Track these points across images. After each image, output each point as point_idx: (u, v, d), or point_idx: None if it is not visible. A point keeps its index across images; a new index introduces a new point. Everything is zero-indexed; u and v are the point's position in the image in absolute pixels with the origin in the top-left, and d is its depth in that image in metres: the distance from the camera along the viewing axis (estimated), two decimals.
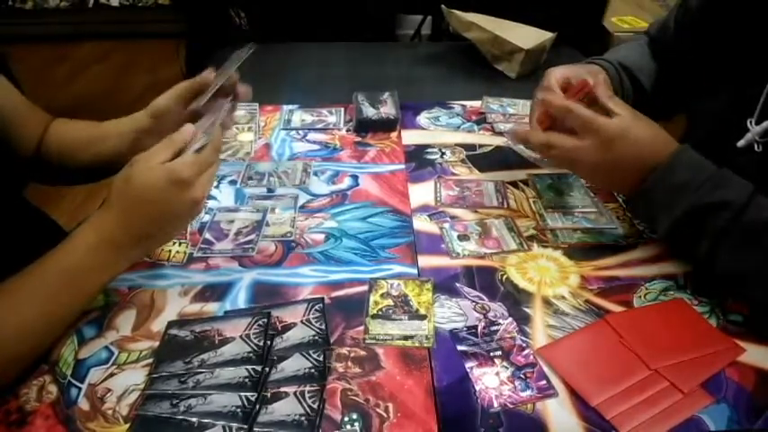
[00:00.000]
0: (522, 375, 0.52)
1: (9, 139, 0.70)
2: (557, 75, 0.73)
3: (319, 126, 0.93)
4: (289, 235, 0.69)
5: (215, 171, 0.61)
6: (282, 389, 0.51)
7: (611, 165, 0.63)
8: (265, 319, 0.56)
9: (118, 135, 0.72)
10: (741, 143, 0.65)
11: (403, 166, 0.83)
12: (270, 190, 0.78)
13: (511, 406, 0.50)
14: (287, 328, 0.57)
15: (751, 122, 0.64)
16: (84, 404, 0.50)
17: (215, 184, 0.79)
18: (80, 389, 0.51)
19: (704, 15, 0.74)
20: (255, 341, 0.54)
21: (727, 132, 0.67)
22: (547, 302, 0.60)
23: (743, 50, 0.67)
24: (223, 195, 0.77)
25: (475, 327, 0.57)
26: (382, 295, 0.61)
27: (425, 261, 0.66)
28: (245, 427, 0.47)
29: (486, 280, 0.63)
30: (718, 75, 0.71)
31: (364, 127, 0.92)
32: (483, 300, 0.60)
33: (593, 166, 0.64)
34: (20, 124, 0.71)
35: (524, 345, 0.55)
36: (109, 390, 0.51)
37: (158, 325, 0.57)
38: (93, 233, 0.55)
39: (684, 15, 0.80)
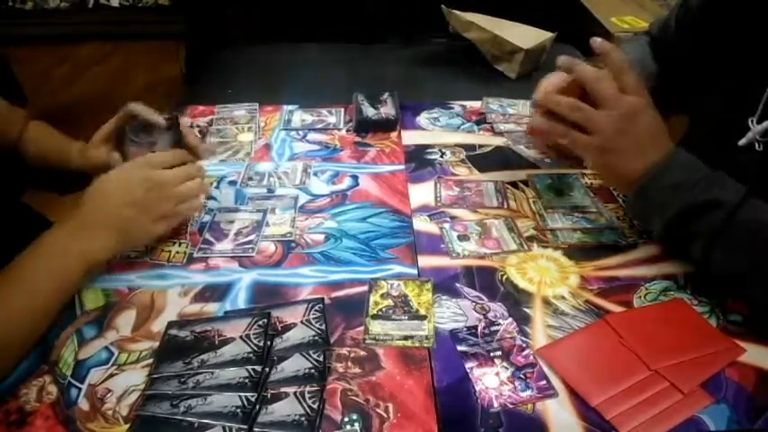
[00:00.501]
0: (522, 375, 0.52)
1: None
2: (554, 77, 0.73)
3: (319, 126, 0.93)
4: (289, 235, 0.69)
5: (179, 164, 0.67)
6: (282, 389, 0.51)
7: (626, 140, 0.62)
8: (265, 320, 0.56)
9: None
10: (742, 142, 0.65)
11: (403, 167, 0.83)
12: (270, 190, 0.78)
13: (511, 406, 0.50)
14: (287, 328, 0.57)
15: (752, 121, 0.64)
16: (84, 404, 0.50)
17: (215, 184, 0.79)
18: (80, 389, 0.51)
19: (705, 14, 0.74)
20: (255, 341, 0.54)
21: (728, 131, 0.67)
22: (547, 303, 0.60)
23: (744, 49, 0.67)
24: (223, 196, 0.77)
25: (475, 327, 0.57)
26: (382, 295, 0.61)
27: (425, 261, 0.66)
28: (245, 427, 0.47)
29: (486, 280, 0.63)
30: (719, 74, 0.71)
31: (364, 127, 0.92)
32: (483, 300, 0.60)
33: (610, 138, 0.63)
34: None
35: (524, 345, 0.55)
36: (109, 390, 0.51)
37: (158, 325, 0.57)
38: (67, 220, 0.59)
39: (685, 14, 0.80)
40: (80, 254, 0.58)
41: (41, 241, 0.57)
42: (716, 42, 0.71)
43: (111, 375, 0.52)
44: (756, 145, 0.64)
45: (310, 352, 0.54)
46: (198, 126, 0.93)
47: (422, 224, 0.71)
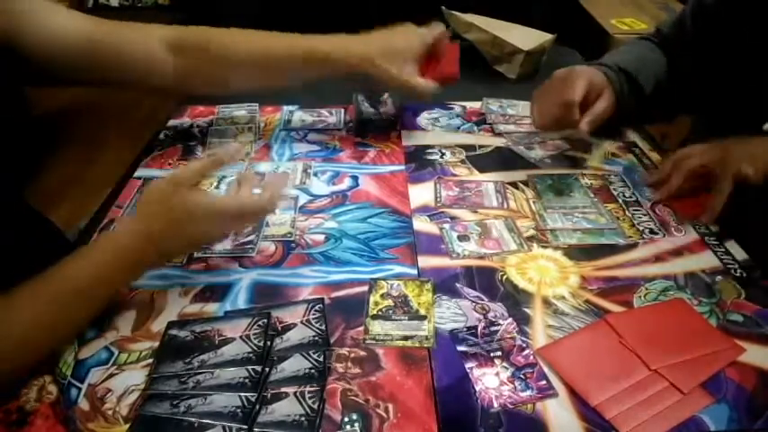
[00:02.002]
0: (522, 375, 0.52)
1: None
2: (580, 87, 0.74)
3: (319, 126, 0.93)
4: (289, 235, 0.69)
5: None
6: (282, 389, 0.51)
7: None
8: (265, 320, 0.56)
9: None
10: None
11: (403, 167, 0.83)
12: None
13: (511, 406, 0.50)
14: (287, 328, 0.57)
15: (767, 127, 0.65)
16: (84, 404, 0.50)
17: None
18: (80, 389, 0.51)
19: (720, 11, 0.74)
20: (255, 341, 0.54)
21: (742, 135, 0.67)
22: (547, 303, 0.60)
23: (757, 49, 0.67)
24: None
25: (475, 327, 0.57)
26: (382, 296, 0.61)
27: (425, 261, 0.66)
28: (245, 427, 0.47)
29: (485, 280, 0.63)
30: (732, 76, 0.71)
31: (364, 127, 0.92)
32: (483, 300, 0.60)
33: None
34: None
35: (524, 345, 0.55)
36: (109, 390, 0.51)
37: (158, 325, 0.57)
38: (122, 244, 0.56)
39: (700, 12, 0.80)
40: (117, 284, 0.57)
41: (82, 265, 0.54)
42: (731, 41, 0.71)
43: (111, 375, 0.52)
44: None
45: (310, 352, 0.54)
46: (198, 126, 0.93)
47: (422, 224, 0.71)
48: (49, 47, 0.68)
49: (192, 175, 0.58)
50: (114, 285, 0.57)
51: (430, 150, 0.87)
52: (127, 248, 0.55)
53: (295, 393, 0.50)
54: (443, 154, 0.86)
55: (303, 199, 0.76)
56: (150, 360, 0.53)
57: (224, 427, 0.47)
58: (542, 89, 0.82)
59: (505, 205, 0.75)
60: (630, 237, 0.70)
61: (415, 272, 0.64)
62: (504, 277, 0.63)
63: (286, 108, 0.98)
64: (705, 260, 0.66)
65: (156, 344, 0.55)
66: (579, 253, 0.67)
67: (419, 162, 0.84)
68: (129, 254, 0.55)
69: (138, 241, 0.55)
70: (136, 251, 0.55)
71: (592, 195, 0.77)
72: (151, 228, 0.55)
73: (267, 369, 0.52)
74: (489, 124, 0.94)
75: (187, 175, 0.58)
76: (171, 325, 0.57)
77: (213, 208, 0.58)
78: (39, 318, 0.52)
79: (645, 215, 0.73)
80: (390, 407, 0.49)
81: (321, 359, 0.53)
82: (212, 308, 0.59)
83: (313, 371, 0.52)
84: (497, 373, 0.52)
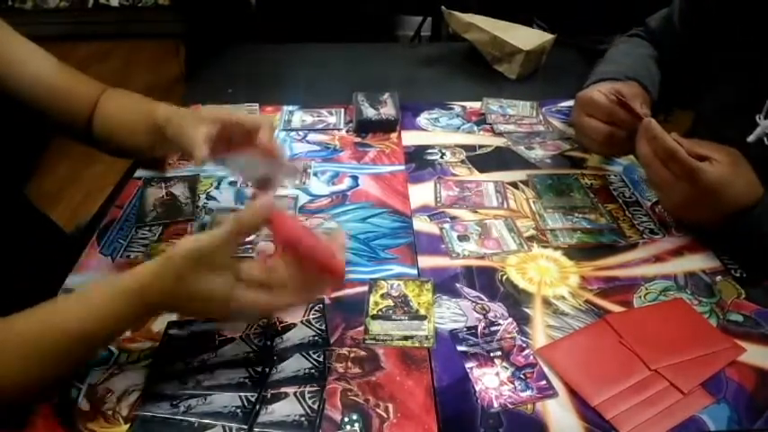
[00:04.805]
0: (522, 376, 0.52)
1: (49, 112, 0.69)
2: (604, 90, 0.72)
3: (319, 127, 0.93)
4: None
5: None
6: (282, 389, 0.51)
7: (698, 208, 0.63)
8: (265, 320, 0.56)
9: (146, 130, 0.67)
10: (751, 138, 0.65)
11: (403, 167, 0.83)
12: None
13: (511, 406, 0.50)
14: (287, 328, 0.57)
15: (759, 117, 0.65)
16: (84, 404, 0.50)
17: (215, 184, 0.79)
18: (80, 389, 0.51)
19: (709, 7, 0.74)
20: (255, 341, 0.54)
21: (735, 127, 0.67)
22: (547, 303, 0.60)
23: (748, 43, 0.67)
24: (223, 196, 0.77)
25: (475, 327, 0.57)
26: (382, 296, 0.61)
27: (425, 261, 0.66)
28: (245, 427, 0.47)
29: (485, 280, 0.63)
30: (723, 69, 0.71)
31: (364, 128, 0.92)
32: (483, 300, 0.60)
33: (679, 204, 0.64)
34: (61, 98, 0.70)
35: (524, 345, 0.55)
36: (109, 390, 0.51)
37: (158, 325, 0.57)
38: (136, 301, 0.49)
39: (689, 6, 0.80)
40: (124, 328, 0.52)
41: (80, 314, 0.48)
42: (721, 36, 0.71)
43: (112, 375, 0.52)
44: (766, 140, 0.64)
45: (310, 352, 0.54)
46: None
47: (422, 224, 0.71)
48: (25, 89, 0.68)
49: (214, 249, 0.48)
50: (98, 340, 0.50)
51: (430, 150, 0.87)
52: (119, 311, 0.49)
53: (295, 393, 0.50)
54: (443, 154, 0.86)
55: (303, 199, 0.76)
56: (150, 360, 0.53)
57: (224, 427, 0.47)
58: (584, 113, 0.77)
59: (505, 205, 0.75)
60: (630, 237, 0.70)
61: (415, 272, 0.64)
62: (504, 277, 0.63)
63: (286, 108, 0.98)
64: (705, 260, 0.66)
65: (156, 344, 0.55)
66: (579, 253, 0.67)
67: (419, 162, 0.84)
68: (120, 317, 0.49)
69: (136, 307, 0.49)
70: (128, 315, 0.49)
71: (592, 195, 0.77)
72: (151, 299, 0.48)
73: (267, 369, 0.52)
74: (489, 124, 0.94)
75: (209, 250, 0.48)
76: (171, 325, 0.57)
77: (219, 301, 0.49)
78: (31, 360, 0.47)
79: (645, 215, 0.73)
80: (390, 407, 0.49)
81: (321, 359, 0.53)
82: None
83: (313, 371, 0.52)
84: (497, 373, 0.52)
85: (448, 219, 0.72)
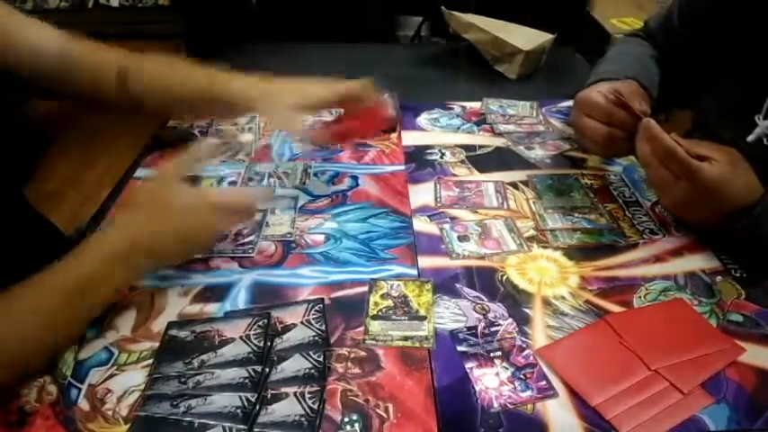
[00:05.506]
0: (521, 376, 0.52)
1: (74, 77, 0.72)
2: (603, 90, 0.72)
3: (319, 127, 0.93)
4: (289, 236, 0.69)
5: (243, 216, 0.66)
6: (282, 389, 0.51)
7: (697, 208, 0.63)
8: (265, 320, 0.56)
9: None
10: (751, 138, 0.65)
11: (403, 167, 0.83)
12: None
13: (511, 406, 0.50)
14: (287, 328, 0.57)
15: (759, 118, 0.65)
16: (84, 405, 0.50)
17: (215, 184, 0.79)
18: (80, 389, 0.51)
19: (709, 7, 0.74)
20: (255, 342, 0.54)
21: (734, 127, 0.67)
22: (547, 303, 0.60)
23: (747, 44, 0.67)
24: None
25: (475, 327, 0.57)
26: (382, 296, 0.61)
27: (425, 262, 0.66)
28: (245, 427, 0.47)
29: (485, 281, 0.63)
30: (723, 69, 0.71)
31: None
32: (483, 300, 0.60)
33: (679, 203, 0.64)
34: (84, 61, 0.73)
35: (524, 345, 0.55)
36: (109, 390, 0.51)
37: (158, 325, 0.57)
38: (108, 246, 0.55)
39: (689, 6, 0.80)
40: (112, 283, 0.55)
41: (78, 261, 0.54)
42: (720, 36, 0.71)
43: (112, 375, 0.52)
44: (765, 140, 0.64)
45: (310, 352, 0.54)
46: (198, 126, 0.93)
47: (422, 225, 0.71)
48: (26, 61, 0.69)
49: (174, 170, 0.59)
50: (104, 290, 0.55)
51: (430, 150, 0.87)
52: (113, 250, 0.54)
53: (295, 393, 0.50)
54: (443, 154, 0.86)
55: (303, 199, 0.76)
56: (150, 360, 0.53)
57: (224, 428, 0.47)
58: (583, 114, 0.77)
59: (505, 205, 0.75)
60: (630, 237, 0.70)
61: (415, 272, 0.64)
62: (504, 277, 0.63)
63: None
64: (705, 260, 0.66)
65: (156, 344, 0.55)
66: (579, 253, 0.67)
67: (419, 162, 0.84)
68: (114, 256, 0.54)
69: (123, 242, 0.55)
70: (121, 253, 0.55)
71: (592, 195, 0.77)
72: (135, 226, 0.55)
73: (267, 369, 0.52)
74: (489, 124, 0.94)
75: (169, 171, 0.59)
76: (171, 325, 0.57)
77: (193, 197, 0.59)
78: (32, 320, 0.51)
79: (645, 215, 0.73)
80: (390, 407, 0.49)
81: (321, 359, 0.53)
82: (212, 308, 0.59)
83: (313, 371, 0.52)
84: (497, 374, 0.52)
85: (448, 219, 0.72)
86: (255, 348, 0.54)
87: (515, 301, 0.60)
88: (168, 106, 0.80)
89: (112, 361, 0.54)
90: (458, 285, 0.62)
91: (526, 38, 1.12)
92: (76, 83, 0.73)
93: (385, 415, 0.49)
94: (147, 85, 0.75)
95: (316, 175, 0.81)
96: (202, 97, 0.75)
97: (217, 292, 0.61)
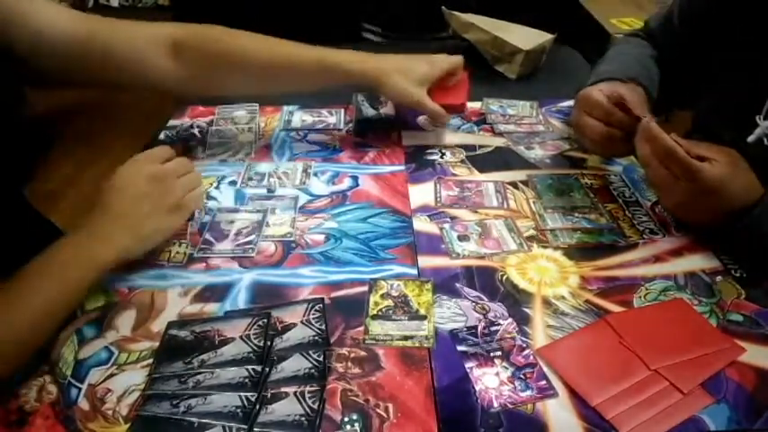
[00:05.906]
0: (521, 375, 0.52)
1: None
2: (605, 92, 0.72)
3: (319, 127, 0.93)
4: (289, 235, 0.69)
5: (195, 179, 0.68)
6: (282, 389, 0.51)
7: (697, 208, 0.63)
8: (265, 320, 0.56)
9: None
10: (751, 138, 0.65)
11: (403, 167, 0.83)
12: (270, 190, 0.78)
13: (511, 406, 0.50)
14: (287, 328, 0.57)
15: (759, 118, 0.65)
16: (84, 404, 0.50)
17: (215, 184, 0.79)
18: (80, 389, 0.51)
19: (709, 7, 0.74)
20: (255, 341, 0.54)
21: (734, 128, 0.67)
22: (547, 303, 0.60)
23: (747, 44, 0.67)
24: (223, 196, 0.77)
25: (475, 327, 0.57)
26: (382, 296, 0.61)
27: (425, 261, 0.66)
28: (245, 427, 0.47)
29: (486, 280, 0.63)
30: (723, 69, 0.71)
31: (364, 127, 0.92)
32: (483, 300, 0.60)
33: (679, 204, 0.65)
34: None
35: (524, 345, 0.55)
36: (109, 390, 0.51)
37: (158, 325, 0.57)
38: (79, 228, 0.59)
39: (689, 7, 0.80)
40: (89, 260, 0.57)
41: (51, 251, 0.56)
42: (720, 36, 0.71)
43: (111, 375, 0.52)
44: (765, 140, 0.64)
45: (310, 352, 0.54)
46: (198, 126, 0.93)
47: (422, 224, 0.71)
48: (37, 43, 0.68)
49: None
50: (70, 288, 0.56)
51: (430, 150, 0.87)
52: (67, 245, 0.57)
53: (295, 393, 0.50)
54: (443, 154, 0.86)
55: (303, 199, 0.76)
56: (150, 360, 0.53)
57: (224, 427, 0.47)
58: (584, 112, 0.77)
59: (505, 205, 0.75)
60: (630, 237, 0.70)
61: (415, 272, 0.64)
62: (504, 277, 0.63)
63: (286, 108, 0.98)
64: (705, 260, 0.66)
65: (156, 344, 0.55)
66: (579, 253, 0.67)
67: (419, 162, 0.84)
68: (71, 252, 0.57)
69: (79, 237, 0.58)
70: (77, 249, 0.57)
71: (592, 195, 0.77)
72: (88, 219, 0.59)
73: (267, 369, 0.52)
74: (489, 124, 0.94)
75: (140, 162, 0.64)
76: (171, 325, 0.57)
77: (126, 170, 0.62)
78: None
79: (645, 215, 0.73)
80: (390, 407, 0.49)
81: (321, 359, 0.53)
82: (212, 308, 0.59)
83: (313, 371, 0.52)
84: (497, 373, 0.52)
85: (448, 219, 0.72)
86: (255, 348, 0.54)
87: (515, 300, 0.60)
88: (272, 77, 0.80)
89: (112, 361, 0.54)
90: (458, 285, 0.62)
91: (526, 38, 1.12)
92: (103, 66, 0.74)
93: (385, 415, 0.49)
94: (250, 54, 0.77)
95: (316, 174, 0.81)
96: (318, 67, 0.77)
97: (217, 292, 0.61)
